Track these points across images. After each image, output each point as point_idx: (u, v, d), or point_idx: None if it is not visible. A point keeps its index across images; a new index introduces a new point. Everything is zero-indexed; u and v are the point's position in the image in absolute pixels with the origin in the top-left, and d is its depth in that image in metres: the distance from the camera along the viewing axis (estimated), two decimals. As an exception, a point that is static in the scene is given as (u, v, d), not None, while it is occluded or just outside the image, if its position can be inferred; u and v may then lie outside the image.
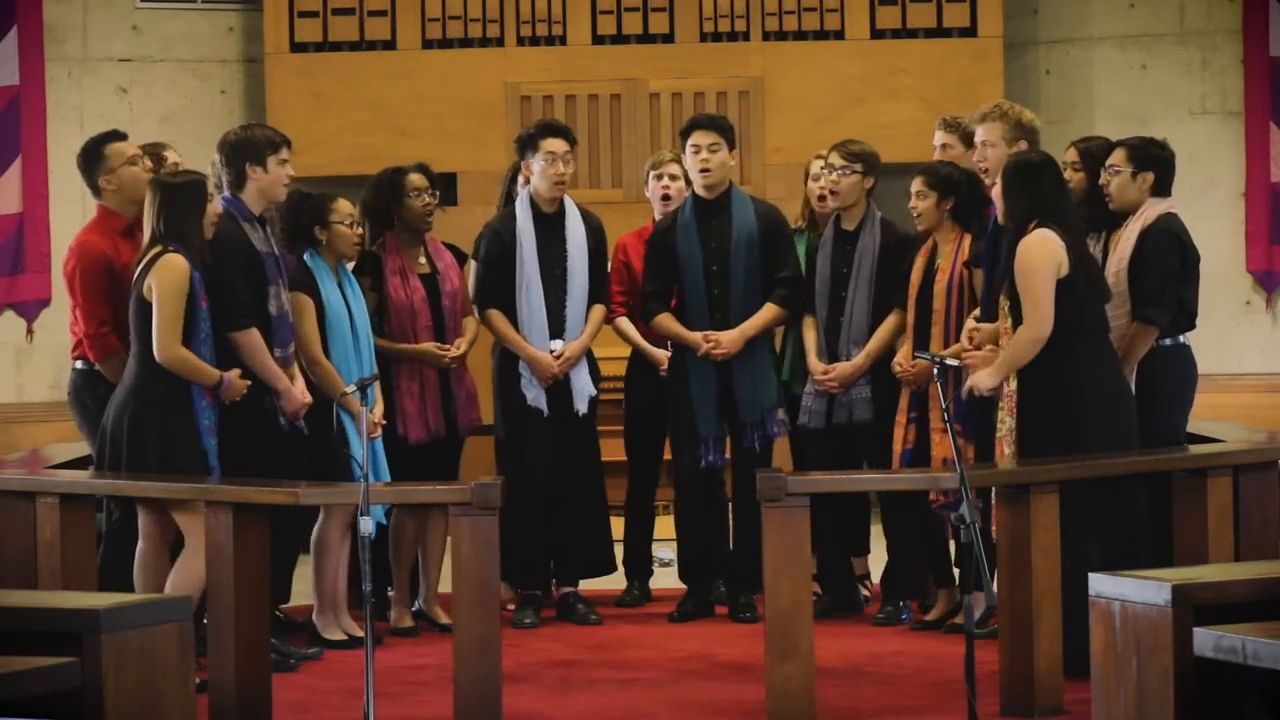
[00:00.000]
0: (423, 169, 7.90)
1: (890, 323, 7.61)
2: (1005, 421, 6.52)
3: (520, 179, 7.98)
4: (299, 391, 6.93)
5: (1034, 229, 6.49)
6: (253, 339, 6.75)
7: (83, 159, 7.07)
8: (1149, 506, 6.59)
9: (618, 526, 8.37)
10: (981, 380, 6.59)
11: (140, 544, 6.55)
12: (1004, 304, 6.55)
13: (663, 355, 8.00)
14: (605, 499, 8.14)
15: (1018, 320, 6.48)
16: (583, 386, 7.85)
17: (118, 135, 7.13)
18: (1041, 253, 6.44)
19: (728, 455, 7.84)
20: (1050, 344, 6.45)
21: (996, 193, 6.70)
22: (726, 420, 7.78)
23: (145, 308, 6.47)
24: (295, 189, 7.39)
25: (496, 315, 7.84)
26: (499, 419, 7.97)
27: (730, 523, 8.00)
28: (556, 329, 7.81)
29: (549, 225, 7.85)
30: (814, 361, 7.72)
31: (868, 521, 8.18)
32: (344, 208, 7.52)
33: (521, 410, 7.81)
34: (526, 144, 7.86)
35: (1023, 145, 7.13)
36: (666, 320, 7.85)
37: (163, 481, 6.35)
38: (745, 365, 7.76)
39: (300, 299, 7.27)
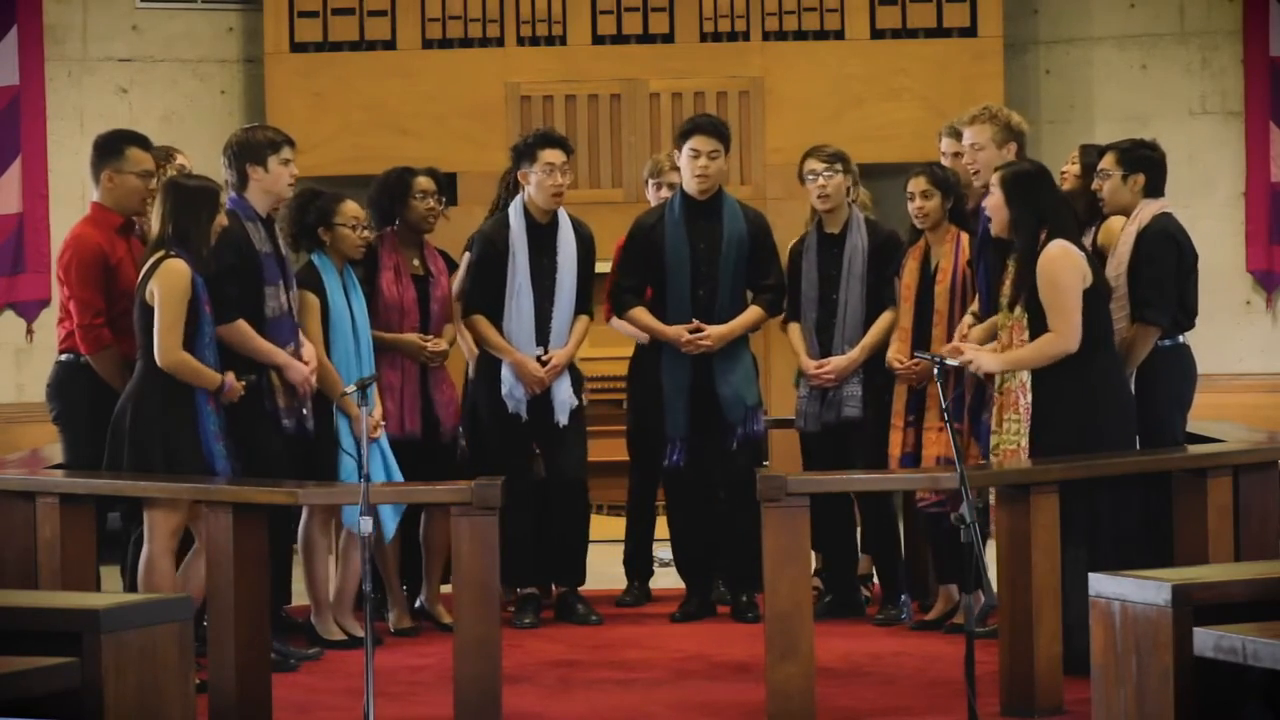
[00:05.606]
0: (432, 173, 7.87)
1: (886, 319, 7.61)
2: (1018, 434, 6.47)
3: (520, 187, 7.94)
4: (301, 362, 6.96)
5: (1046, 239, 6.47)
6: (236, 329, 6.76)
7: (100, 146, 6.98)
8: (1143, 507, 6.59)
9: (618, 527, 8.36)
10: (985, 361, 6.55)
11: (145, 547, 6.52)
12: (1020, 315, 6.51)
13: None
14: (584, 514, 8.03)
15: (1035, 330, 6.45)
16: (565, 399, 7.77)
17: (145, 143, 7.04)
18: (1068, 265, 6.42)
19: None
20: (1073, 354, 6.43)
21: (994, 203, 6.63)
22: (702, 421, 7.75)
23: (149, 312, 6.46)
24: (306, 186, 7.38)
25: (481, 320, 7.77)
26: (470, 425, 7.88)
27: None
28: (542, 338, 7.75)
29: (542, 235, 7.78)
30: (805, 360, 7.72)
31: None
32: (350, 210, 7.49)
33: (500, 417, 7.73)
34: (524, 154, 7.78)
35: (1012, 147, 7.11)
36: (642, 314, 7.82)
37: (162, 481, 6.34)
38: (726, 366, 7.74)
39: (307, 297, 7.27)
